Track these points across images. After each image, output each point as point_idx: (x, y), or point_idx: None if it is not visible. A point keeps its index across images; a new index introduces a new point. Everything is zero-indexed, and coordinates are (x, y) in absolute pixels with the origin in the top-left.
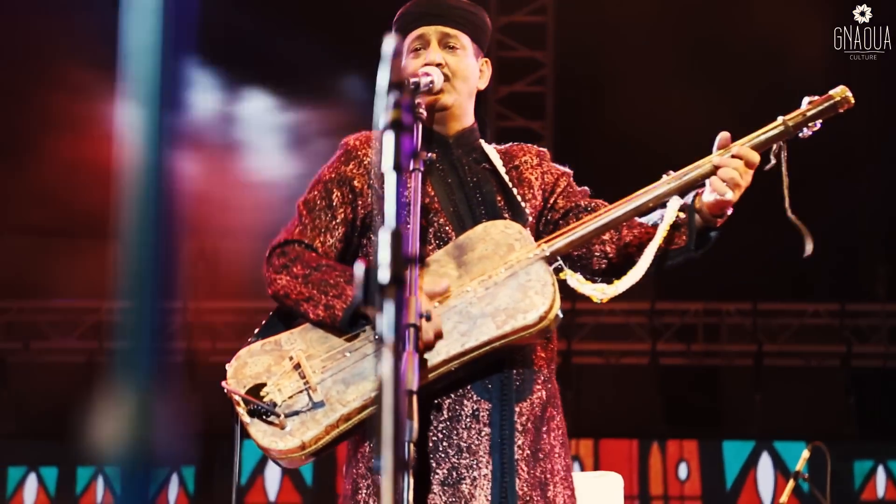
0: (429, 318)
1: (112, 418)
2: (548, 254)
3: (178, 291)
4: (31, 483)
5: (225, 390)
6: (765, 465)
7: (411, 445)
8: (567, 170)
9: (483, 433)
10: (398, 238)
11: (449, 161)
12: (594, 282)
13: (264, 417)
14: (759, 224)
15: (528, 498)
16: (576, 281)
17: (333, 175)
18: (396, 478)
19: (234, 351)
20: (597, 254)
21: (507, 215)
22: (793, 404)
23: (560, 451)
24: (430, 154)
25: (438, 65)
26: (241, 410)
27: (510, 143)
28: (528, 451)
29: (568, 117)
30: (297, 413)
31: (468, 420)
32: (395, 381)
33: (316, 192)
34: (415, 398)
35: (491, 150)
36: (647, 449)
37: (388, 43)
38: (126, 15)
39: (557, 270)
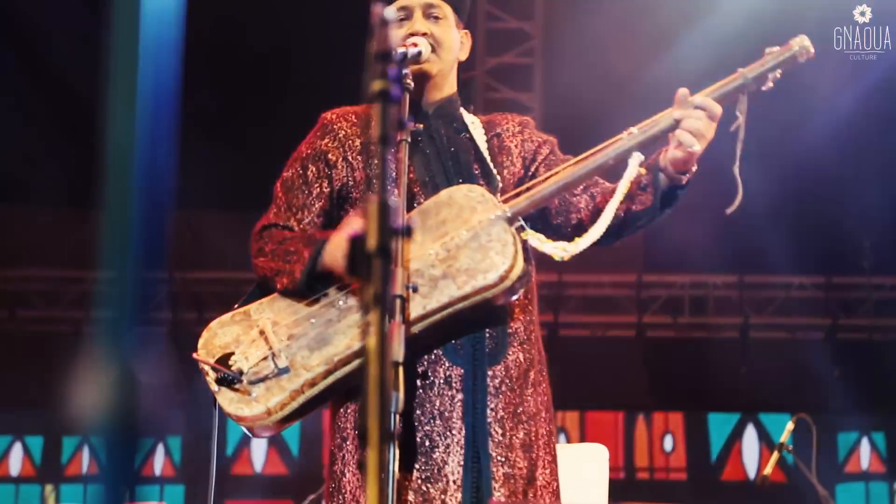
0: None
1: (90, 389)
2: (509, 214)
3: (164, 262)
4: (17, 452)
5: (195, 359)
6: (750, 437)
7: (397, 416)
8: (550, 138)
9: (455, 399)
10: (385, 208)
11: (428, 132)
12: (555, 241)
13: (231, 385)
14: (746, 197)
15: (502, 459)
16: (536, 240)
17: (310, 151)
18: (382, 449)
19: None
20: (573, 211)
21: (482, 185)
22: (778, 377)
23: (546, 415)
24: (417, 124)
25: (424, 34)
26: (210, 380)
27: (494, 113)
28: (503, 413)
29: (556, 89)
30: (263, 380)
31: (441, 387)
32: (382, 352)
33: (293, 171)
34: (401, 369)
35: (473, 120)
36: (633, 421)
37: (377, 12)
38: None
39: (520, 230)
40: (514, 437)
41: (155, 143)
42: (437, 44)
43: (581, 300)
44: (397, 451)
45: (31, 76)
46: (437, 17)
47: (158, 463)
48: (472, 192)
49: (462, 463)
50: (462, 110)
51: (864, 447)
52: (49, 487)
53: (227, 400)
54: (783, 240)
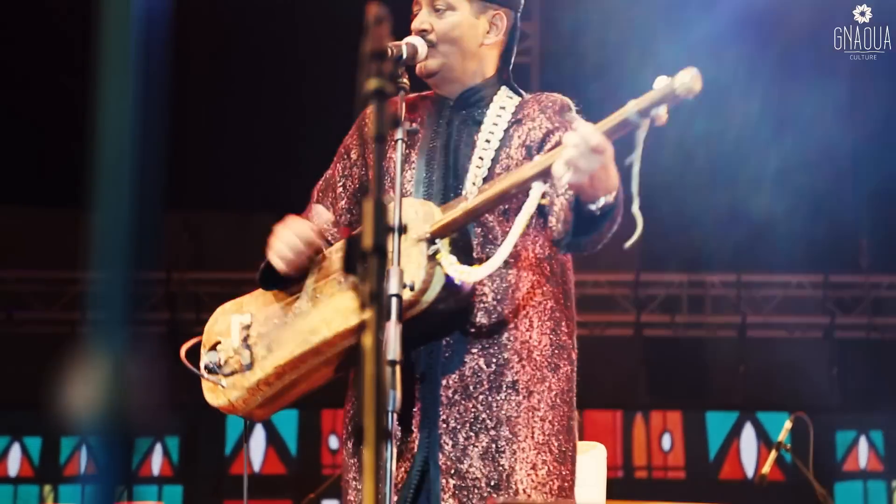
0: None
1: (86, 390)
2: (428, 235)
3: (159, 262)
4: (15, 452)
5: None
6: (748, 435)
7: (394, 415)
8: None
9: (416, 408)
10: (381, 208)
11: (441, 123)
12: (469, 264)
13: (214, 374)
14: (744, 195)
15: (453, 470)
16: (446, 261)
17: (342, 147)
18: (378, 448)
19: None
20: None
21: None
22: (776, 375)
23: (537, 414)
24: (413, 124)
25: (423, 31)
26: (202, 365)
27: (538, 93)
28: (455, 424)
29: (554, 89)
30: (232, 373)
31: (405, 395)
32: (377, 351)
33: (330, 168)
34: (398, 368)
35: (505, 105)
36: (631, 420)
37: (371, 10)
38: None
39: (436, 252)
40: (470, 447)
41: (148, 140)
42: (437, 38)
43: (578, 299)
44: (394, 450)
45: (22, 74)
46: (440, 10)
47: (156, 463)
48: (410, 207)
49: (408, 469)
50: (502, 94)
51: (863, 446)
52: (47, 488)
53: (205, 387)
54: (780, 238)
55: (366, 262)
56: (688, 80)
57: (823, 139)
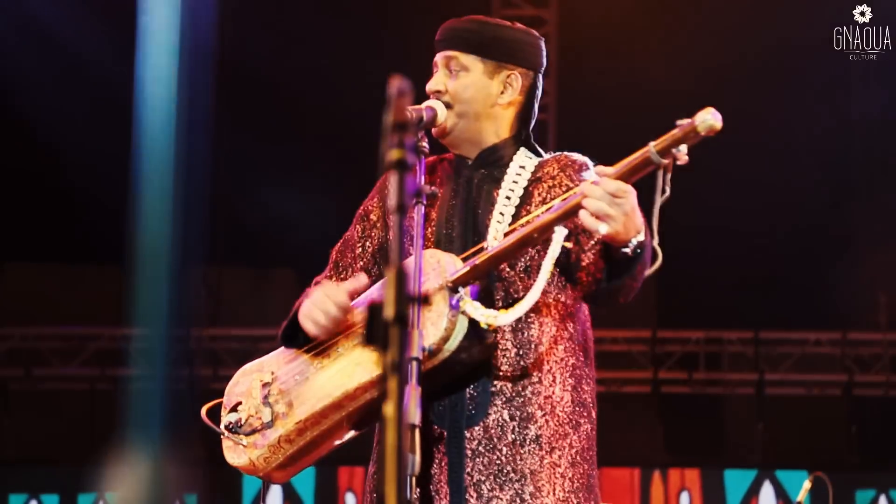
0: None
1: (129, 476)
2: (450, 284)
3: (185, 319)
4: None
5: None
6: (766, 494)
7: (413, 479)
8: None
9: (443, 462)
10: (402, 276)
11: (461, 183)
12: (496, 308)
13: (236, 433)
14: (761, 252)
15: None
16: (471, 307)
17: (361, 210)
18: None
19: None
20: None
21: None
22: (794, 433)
23: (567, 471)
24: (432, 187)
25: (438, 92)
26: (223, 426)
27: (559, 153)
28: (480, 476)
29: (572, 77)
30: (254, 432)
31: (430, 448)
32: (399, 415)
33: (349, 230)
34: (417, 432)
35: (525, 164)
36: (649, 478)
37: (394, 82)
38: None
39: (459, 299)
40: (495, 499)
41: (188, 201)
42: (451, 99)
43: (595, 355)
44: None
45: (44, 137)
46: (454, 70)
47: None
48: (432, 258)
49: None
50: (521, 154)
51: None
52: None
53: (226, 447)
54: (798, 295)
55: (388, 331)
56: (709, 118)
57: (843, 192)
